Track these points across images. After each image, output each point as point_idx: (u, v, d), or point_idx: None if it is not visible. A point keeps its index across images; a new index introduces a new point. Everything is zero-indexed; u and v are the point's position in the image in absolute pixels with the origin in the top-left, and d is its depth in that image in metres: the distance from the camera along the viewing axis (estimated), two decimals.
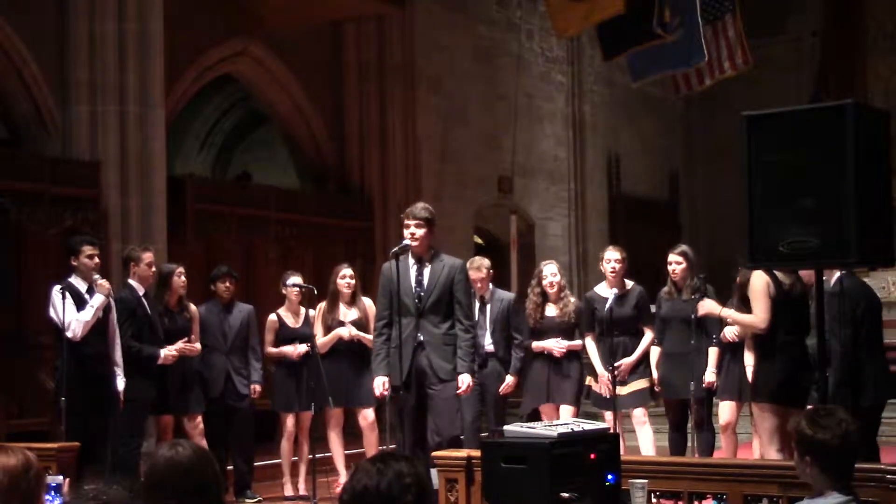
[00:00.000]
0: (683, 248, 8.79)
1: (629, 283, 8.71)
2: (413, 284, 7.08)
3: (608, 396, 8.41)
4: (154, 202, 10.34)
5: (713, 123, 18.93)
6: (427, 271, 7.09)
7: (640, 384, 8.54)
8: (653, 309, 8.71)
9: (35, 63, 10.12)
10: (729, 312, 7.37)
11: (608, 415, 8.41)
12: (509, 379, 8.77)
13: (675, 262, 8.61)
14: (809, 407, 5.37)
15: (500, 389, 8.74)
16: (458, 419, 7.30)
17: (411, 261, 7.12)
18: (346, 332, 8.87)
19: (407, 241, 7.15)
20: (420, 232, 7.04)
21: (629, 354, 8.56)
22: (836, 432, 3.78)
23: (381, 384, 7.14)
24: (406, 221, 7.10)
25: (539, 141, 16.46)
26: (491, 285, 8.96)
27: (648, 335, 8.58)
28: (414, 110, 13.94)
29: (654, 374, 8.59)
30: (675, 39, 12.85)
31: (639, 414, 8.54)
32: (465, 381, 7.01)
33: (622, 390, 8.46)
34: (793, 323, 6.77)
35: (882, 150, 5.64)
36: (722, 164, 18.33)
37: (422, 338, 7.03)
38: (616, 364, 8.41)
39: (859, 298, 6.96)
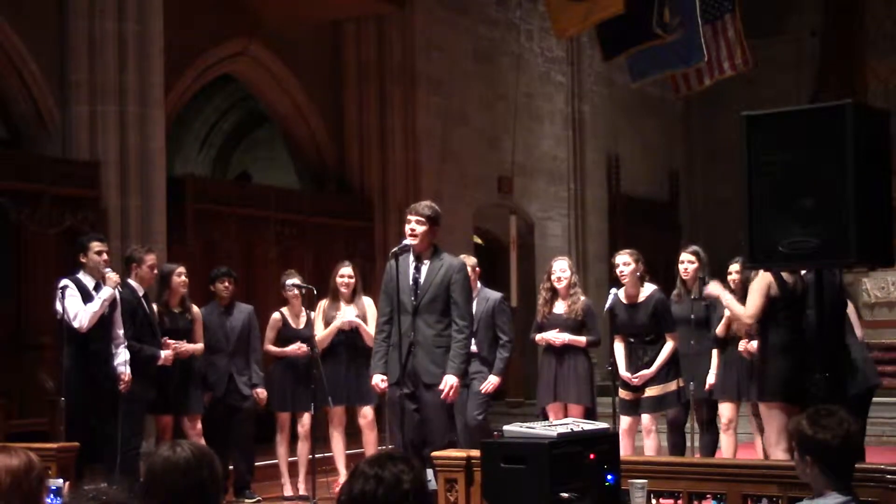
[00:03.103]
0: (695, 247, 8.73)
1: (648, 288, 8.35)
2: (410, 283, 7.05)
3: (627, 399, 8.28)
4: (154, 202, 10.34)
5: (713, 123, 18.93)
6: (425, 269, 7.05)
7: (655, 390, 8.22)
8: None
9: (35, 63, 10.12)
10: (728, 298, 7.36)
11: (623, 420, 8.24)
12: (493, 379, 8.52)
13: (688, 262, 8.54)
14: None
15: (481, 388, 8.45)
16: (446, 427, 7.21)
17: (411, 258, 7.10)
18: (345, 318, 8.86)
19: (407, 241, 7.13)
20: (420, 229, 7.00)
21: (644, 362, 8.26)
22: (837, 432, 3.78)
23: (378, 381, 7.15)
24: (408, 216, 7.08)
25: (539, 141, 16.46)
26: (479, 284, 8.85)
27: (669, 344, 8.23)
28: (414, 110, 13.93)
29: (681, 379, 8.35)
30: (674, 39, 12.86)
31: (646, 422, 8.27)
32: (448, 382, 6.88)
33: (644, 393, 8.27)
34: (797, 322, 6.79)
35: (882, 150, 5.65)
36: (722, 164, 18.33)
37: (414, 338, 6.99)
38: (635, 375, 8.23)
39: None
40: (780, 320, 6.82)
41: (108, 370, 7.80)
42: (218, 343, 8.94)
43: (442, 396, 6.94)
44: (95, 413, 7.69)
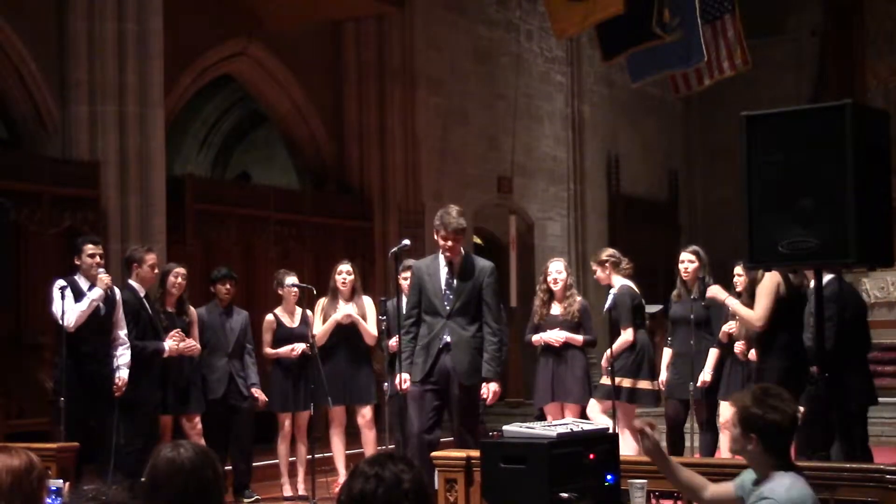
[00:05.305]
0: (695, 247, 8.74)
1: (617, 283, 8.63)
2: (443, 287, 7.13)
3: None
4: (153, 202, 10.34)
5: (713, 123, 18.93)
6: (457, 274, 7.14)
7: (628, 382, 8.44)
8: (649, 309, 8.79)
9: (34, 63, 10.12)
10: (733, 302, 7.40)
11: (592, 401, 8.52)
12: (493, 387, 8.63)
13: (688, 261, 8.55)
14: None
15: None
16: (477, 416, 7.39)
17: (442, 262, 7.18)
18: (343, 313, 8.87)
19: (406, 241, 7.36)
20: (457, 245, 7.10)
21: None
22: (787, 414, 3.90)
23: (403, 380, 7.23)
24: (443, 233, 7.06)
25: (538, 141, 16.46)
26: None
27: (621, 337, 8.48)
28: (413, 110, 13.93)
29: (664, 376, 8.57)
30: (674, 40, 12.86)
31: (620, 413, 8.38)
32: (491, 388, 7.09)
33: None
34: (796, 322, 6.79)
35: (881, 151, 5.65)
36: (722, 164, 18.34)
37: (448, 339, 7.07)
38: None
39: (847, 302, 6.95)
40: (783, 320, 6.82)
41: (105, 371, 7.78)
42: (218, 343, 8.93)
43: (488, 403, 7.17)
44: (92, 413, 7.69)
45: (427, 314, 7.16)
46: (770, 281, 6.76)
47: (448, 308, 7.09)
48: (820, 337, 5.72)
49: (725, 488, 4.23)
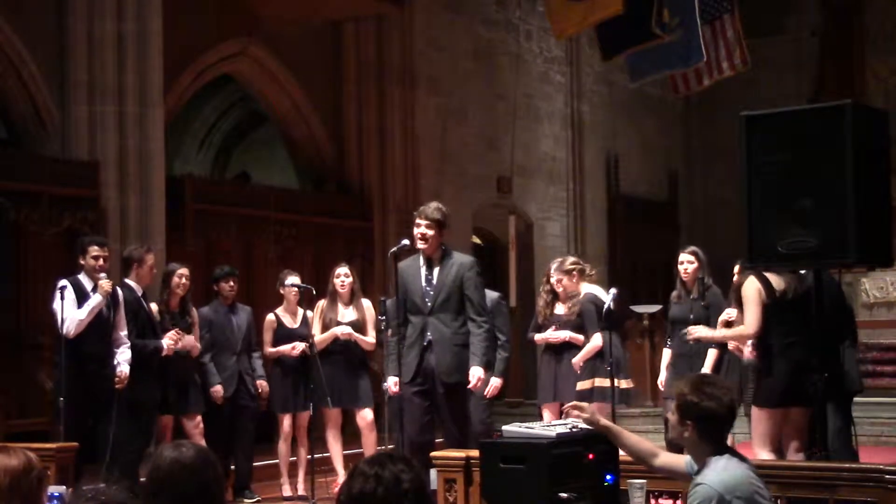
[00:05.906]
0: (694, 248, 8.73)
1: (583, 290, 8.83)
2: (423, 284, 7.13)
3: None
4: (153, 202, 10.34)
5: (713, 123, 18.93)
6: (437, 271, 7.13)
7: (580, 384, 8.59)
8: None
9: (34, 63, 10.12)
10: (723, 333, 7.39)
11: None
12: (495, 381, 8.46)
13: (688, 262, 8.53)
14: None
15: (485, 392, 8.38)
16: (465, 424, 7.32)
17: (422, 260, 7.17)
18: (341, 330, 8.89)
19: (406, 241, 7.25)
20: (430, 233, 7.07)
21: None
22: (724, 402, 4.00)
23: (392, 383, 7.25)
24: (417, 220, 7.12)
25: (538, 141, 16.46)
26: None
27: (591, 342, 8.56)
28: (413, 110, 13.93)
29: (664, 376, 8.60)
30: (673, 40, 12.86)
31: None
32: (475, 374, 7.02)
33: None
34: (792, 326, 6.76)
35: (881, 151, 5.65)
36: (721, 164, 18.34)
37: (430, 337, 7.07)
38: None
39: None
40: (772, 326, 6.79)
41: (105, 371, 7.76)
42: (227, 342, 8.94)
43: (470, 388, 7.10)
44: (92, 413, 7.68)
45: (411, 314, 7.16)
46: (752, 288, 6.72)
47: (429, 305, 7.08)
48: (820, 337, 5.72)
49: (678, 460, 4.39)
